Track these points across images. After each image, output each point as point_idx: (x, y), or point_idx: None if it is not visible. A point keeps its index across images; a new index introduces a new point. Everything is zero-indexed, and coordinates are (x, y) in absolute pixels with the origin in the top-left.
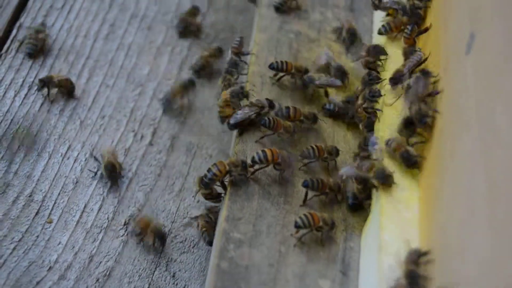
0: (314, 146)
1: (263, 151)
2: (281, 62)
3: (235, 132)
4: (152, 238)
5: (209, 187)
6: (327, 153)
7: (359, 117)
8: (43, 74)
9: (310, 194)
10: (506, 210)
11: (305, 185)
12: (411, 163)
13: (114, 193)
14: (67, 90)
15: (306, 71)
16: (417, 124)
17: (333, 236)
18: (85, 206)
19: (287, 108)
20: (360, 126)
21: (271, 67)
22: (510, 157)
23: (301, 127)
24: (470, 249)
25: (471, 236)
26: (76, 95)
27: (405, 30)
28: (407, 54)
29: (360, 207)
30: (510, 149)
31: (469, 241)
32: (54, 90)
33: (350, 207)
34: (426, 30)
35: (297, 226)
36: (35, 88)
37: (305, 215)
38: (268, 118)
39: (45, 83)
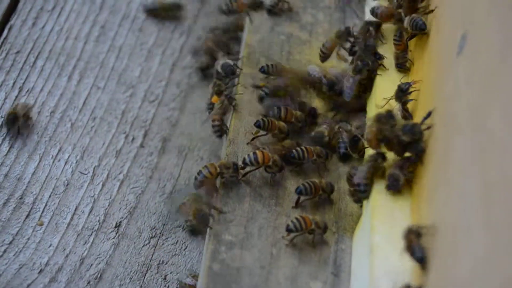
0: (303, 148)
1: (254, 153)
2: (272, 65)
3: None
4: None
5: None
6: (316, 156)
7: None
8: (34, 77)
9: (303, 197)
10: (500, 212)
11: (299, 191)
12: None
13: (105, 195)
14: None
15: None
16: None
17: (324, 239)
18: (76, 208)
19: (279, 108)
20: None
21: (261, 70)
22: (504, 159)
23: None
24: (464, 250)
25: (465, 237)
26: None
27: (394, 37)
28: (398, 59)
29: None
30: (503, 151)
31: (463, 242)
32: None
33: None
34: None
35: (289, 230)
36: (26, 90)
37: (297, 218)
38: (263, 119)
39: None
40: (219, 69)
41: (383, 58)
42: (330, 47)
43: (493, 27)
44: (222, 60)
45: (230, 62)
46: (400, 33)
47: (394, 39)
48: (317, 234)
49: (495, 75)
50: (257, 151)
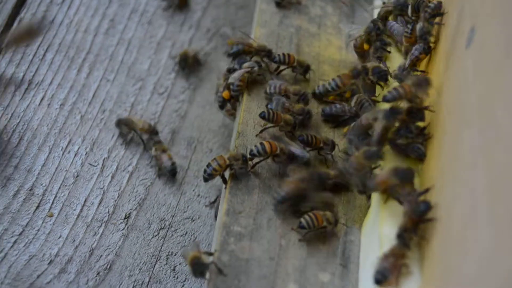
0: (310, 135)
1: (261, 143)
2: (283, 54)
3: (235, 126)
4: None
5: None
6: (323, 143)
7: None
8: (43, 69)
9: None
10: (507, 205)
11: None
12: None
13: (114, 187)
14: None
15: (308, 67)
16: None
17: (334, 231)
18: (85, 200)
19: (268, 112)
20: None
21: (274, 60)
22: (511, 153)
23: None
24: (471, 244)
25: (471, 231)
26: None
27: (406, 30)
28: (408, 53)
29: None
30: (511, 144)
31: (470, 236)
32: None
33: None
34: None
35: (301, 227)
36: (35, 82)
37: (309, 216)
38: (268, 111)
39: None
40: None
41: (390, 44)
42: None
43: (499, 22)
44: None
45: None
46: (412, 26)
47: (405, 32)
48: (328, 229)
49: (502, 69)
50: (264, 141)
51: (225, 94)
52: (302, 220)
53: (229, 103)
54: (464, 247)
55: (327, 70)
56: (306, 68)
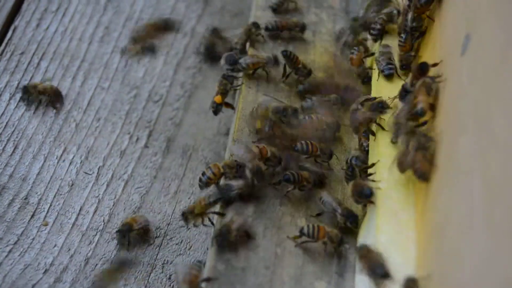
0: (308, 142)
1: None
2: (291, 53)
3: (230, 134)
4: None
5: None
6: (320, 152)
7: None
8: (38, 78)
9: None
10: (503, 211)
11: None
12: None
13: (109, 196)
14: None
15: (310, 71)
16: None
17: (339, 251)
18: (80, 209)
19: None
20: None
21: (283, 53)
22: (507, 159)
23: None
24: (467, 250)
25: (468, 237)
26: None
27: (399, 38)
28: (402, 60)
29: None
30: (506, 150)
31: (467, 242)
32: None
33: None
34: (422, 34)
35: (302, 234)
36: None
37: (313, 226)
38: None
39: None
40: (222, 61)
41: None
42: None
43: (495, 27)
44: (225, 53)
45: (233, 53)
46: (406, 35)
47: (399, 41)
48: (330, 247)
49: (497, 75)
50: (253, 146)
51: (217, 98)
52: (305, 227)
53: (222, 108)
54: (460, 253)
55: (322, 77)
56: (308, 72)
